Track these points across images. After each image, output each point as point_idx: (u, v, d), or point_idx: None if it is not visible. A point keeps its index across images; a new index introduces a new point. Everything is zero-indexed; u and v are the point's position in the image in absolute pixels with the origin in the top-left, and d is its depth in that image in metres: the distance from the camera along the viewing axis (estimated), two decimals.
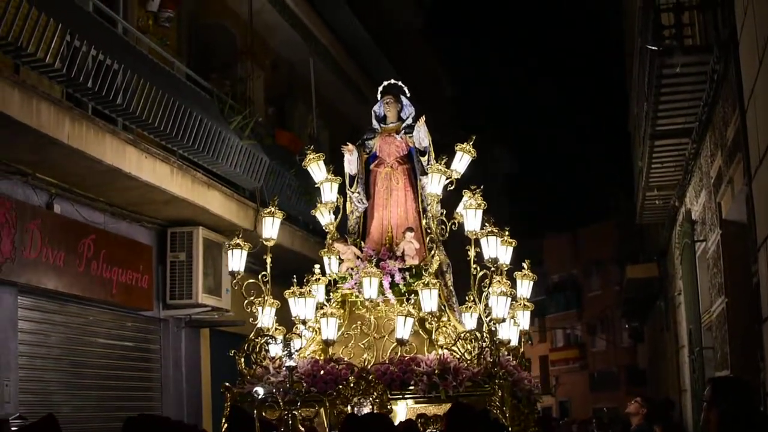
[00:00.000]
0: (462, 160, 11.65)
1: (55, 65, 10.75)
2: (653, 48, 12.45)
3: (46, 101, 10.95)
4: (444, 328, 11.14)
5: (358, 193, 12.14)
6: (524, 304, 11.78)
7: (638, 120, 18.98)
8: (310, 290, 11.23)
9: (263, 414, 9.90)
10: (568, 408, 51.85)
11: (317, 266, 11.66)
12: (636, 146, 21.38)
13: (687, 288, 17.31)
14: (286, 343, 10.15)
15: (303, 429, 9.89)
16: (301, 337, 10.96)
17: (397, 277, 11.36)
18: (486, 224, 10.89)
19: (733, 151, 11.63)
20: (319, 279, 11.57)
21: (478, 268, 10.93)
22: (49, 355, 12.64)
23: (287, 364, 10.03)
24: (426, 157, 11.93)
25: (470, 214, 11.04)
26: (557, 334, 55.85)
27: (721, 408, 5.73)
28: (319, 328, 10.97)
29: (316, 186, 12.27)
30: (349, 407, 10.04)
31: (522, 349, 11.92)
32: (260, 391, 9.99)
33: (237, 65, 18.09)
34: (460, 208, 11.39)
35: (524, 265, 11.78)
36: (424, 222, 11.87)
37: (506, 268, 11.25)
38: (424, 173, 11.90)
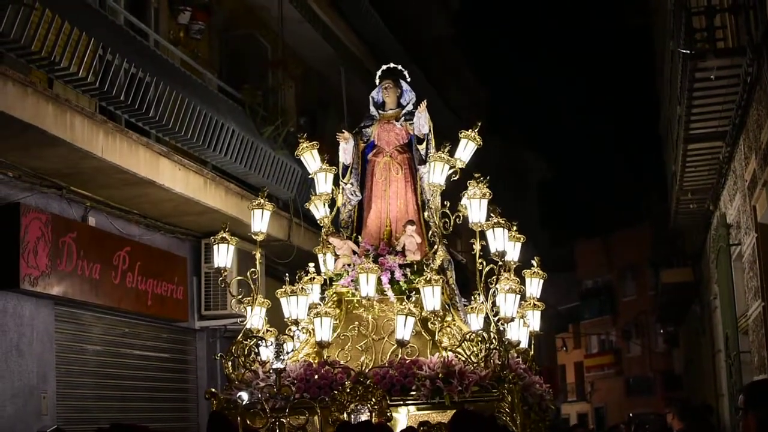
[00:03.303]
0: (467, 149, 10.77)
1: (88, 79, 10.84)
2: (685, 51, 12.40)
3: (80, 115, 11.02)
4: (448, 329, 10.34)
5: (351, 184, 11.24)
6: (534, 304, 10.91)
7: (671, 123, 18.91)
8: (302, 288, 10.26)
9: (247, 422, 9.09)
10: (604, 414, 51.56)
11: (311, 264, 10.80)
12: (669, 150, 21.28)
13: (723, 292, 17.21)
14: (278, 345, 9.32)
15: None
16: (293, 339, 10.24)
17: (397, 274, 10.49)
18: (492, 215, 10.02)
19: (767, 153, 11.56)
20: (314, 278, 10.66)
21: (484, 263, 10.05)
22: (85, 366, 12.70)
23: (274, 366, 9.27)
24: (424, 144, 11.08)
25: (474, 205, 10.14)
26: (592, 339, 55.50)
27: (758, 412, 5.66)
28: (313, 329, 10.07)
29: (309, 177, 11.44)
30: (345, 414, 9.20)
31: (532, 352, 11.05)
32: (244, 396, 9.26)
33: (268, 76, 18.14)
34: (465, 200, 10.49)
35: (533, 262, 10.93)
36: (425, 215, 10.98)
37: (515, 266, 10.47)
38: (423, 162, 11.05)
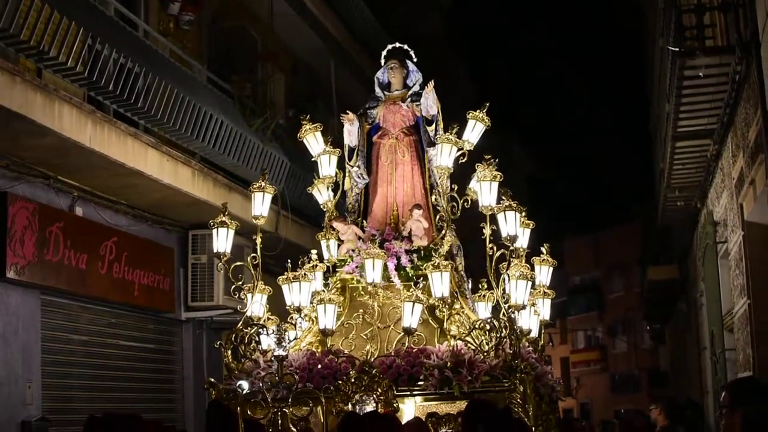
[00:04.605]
0: (475, 130, 10.28)
1: (77, 68, 10.81)
2: (675, 49, 12.42)
3: (69, 104, 10.99)
4: (457, 316, 9.91)
5: (358, 167, 10.84)
6: (544, 292, 10.49)
7: (659, 121, 18.95)
8: (305, 273, 9.84)
9: (248, 412, 8.67)
10: (589, 410, 51.67)
11: (314, 251, 10.50)
12: (657, 147, 21.32)
13: (709, 289, 17.27)
14: (279, 332, 8.97)
15: (295, 430, 8.73)
16: (295, 327, 9.86)
17: (404, 260, 10.08)
18: (503, 198, 9.51)
19: (755, 152, 11.59)
20: (317, 266, 10.29)
21: (495, 248, 9.54)
22: (71, 356, 12.68)
23: (276, 354, 8.88)
24: (434, 126, 10.61)
25: (485, 187, 9.65)
26: (578, 335, 55.65)
27: (743, 411, 5.67)
28: (316, 317, 9.64)
29: (312, 160, 10.94)
30: (349, 405, 8.76)
31: (542, 342, 10.69)
32: (245, 386, 8.91)
33: (258, 68, 18.11)
34: (473, 184, 10.15)
35: (543, 249, 10.49)
36: (433, 199, 10.61)
37: (524, 252, 10.04)
38: (432, 144, 10.59)
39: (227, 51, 17.51)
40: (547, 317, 10.76)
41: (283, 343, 8.98)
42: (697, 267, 19.93)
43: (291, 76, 19.57)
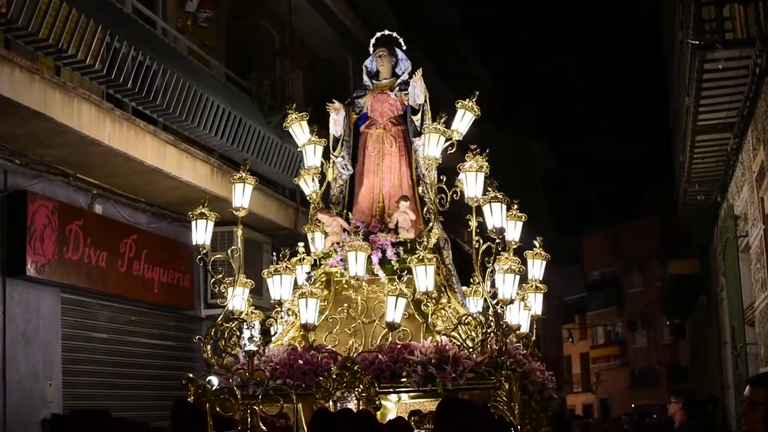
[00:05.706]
0: (464, 119, 9.99)
1: (95, 66, 10.84)
2: (694, 42, 12.37)
3: (87, 102, 11.00)
4: (443, 311, 9.61)
5: (342, 157, 10.52)
6: (536, 286, 10.16)
7: (679, 114, 18.88)
8: (286, 266, 9.57)
9: (216, 409, 8.11)
10: (609, 405, 51.59)
11: (301, 244, 10.10)
12: (677, 141, 21.25)
13: (730, 284, 17.20)
14: (252, 328, 8.71)
15: (264, 428, 8.15)
16: (276, 321, 9.66)
17: (389, 252, 9.79)
18: (489, 189, 9.27)
19: None
20: (304, 258, 9.99)
21: (481, 241, 9.23)
22: (91, 354, 12.70)
23: (246, 349, 8.64)
24: (419, 115, 10.34)
25: (470, 178, 9.36)
26: (598, 331, 55.54)
27: (766, 405, 5.63)
28: (299, 311, 9.31)
29: (298, 150, 10.78)
30: (330, 402, 8.55)
31: (534, 337, 10.25)
32: (214, 381, 8.75)
33: (276, 65, 18.12)
34: (461, 175, 9.62)
35: (536, 243, 10.17)
36: (420, 190, 10.27)
37: (515, 245, 9.70)
38: (418, 134, 10.30)
39: (245, 48, 17.53)
40: (539, 312, 10.41)
41: (254, 339, 8.74)
42: (718, 261, 19.86)
43: (309, 72, 19.56)
